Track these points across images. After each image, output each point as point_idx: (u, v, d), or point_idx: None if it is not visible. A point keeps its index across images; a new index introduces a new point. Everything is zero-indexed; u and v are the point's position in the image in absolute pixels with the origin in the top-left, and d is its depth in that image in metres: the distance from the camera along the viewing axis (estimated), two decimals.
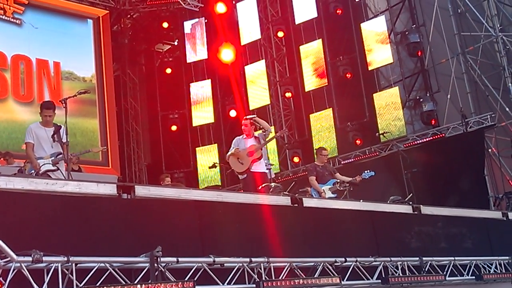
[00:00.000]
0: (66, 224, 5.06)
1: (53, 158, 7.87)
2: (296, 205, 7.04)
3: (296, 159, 18.12)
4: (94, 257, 4.91)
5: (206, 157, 18.45)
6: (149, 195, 5.82)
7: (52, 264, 4.64)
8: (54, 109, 8.05)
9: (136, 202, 5.69)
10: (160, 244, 5.20)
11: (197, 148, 19.13)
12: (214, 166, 10.09)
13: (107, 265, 4.95)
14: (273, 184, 9.38)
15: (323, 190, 10.09)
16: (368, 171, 10.14)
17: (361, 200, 7.99)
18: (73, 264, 4.71)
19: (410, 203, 8.84)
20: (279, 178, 17.33)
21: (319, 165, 10.59)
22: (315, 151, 11.29)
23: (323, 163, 10.65)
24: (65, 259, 4.66)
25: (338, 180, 10.23)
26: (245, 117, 9.75)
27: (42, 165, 7.73)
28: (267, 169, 9.74)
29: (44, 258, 4.56)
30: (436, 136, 15.01)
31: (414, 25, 16.31)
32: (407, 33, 16.22)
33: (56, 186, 5.31)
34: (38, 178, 5.86)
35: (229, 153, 9.58)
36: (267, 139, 9.62)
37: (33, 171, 7.88)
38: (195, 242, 5.81)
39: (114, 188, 5.62)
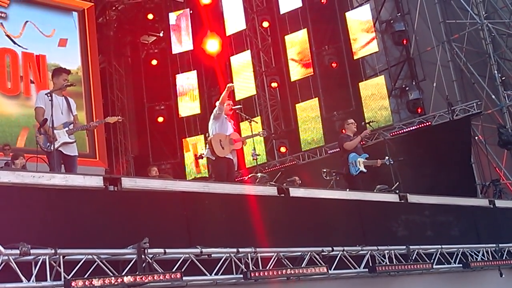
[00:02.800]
0: (54, 216, 5.06)
1: (66, 128, 7.52)
2: (283, 195, 7.04)
3: (282, 149, 18.17)
4: (81, 249, 4.91)
5: (193, 148, 18.45)
6: (135, 187, 5.82)
7: (39, 257, 4.64)
8: (68, 73, 7.88)
9: (123, 194, 5.68)
10: (147, 235, 5.20)
11: (183, 139, 19.12)
12: (200, 157, 10.06)
13: (95, 257, 4.95)
14: (259, 174, 9.37)
15: (359, 161, 9.96)
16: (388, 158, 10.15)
17: (347, 190, 8.02)
18: (61, 257, 4.72)
19: (397, 191, 8.86)
20: (266, 168, 17.39)
21: (350, 135, 10.38)
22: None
23: (354, 132, 10.44)
24: (53, 251, 4.67)
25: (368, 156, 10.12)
26: (230, 104, 9.50)
27: (58, 137, 7.35)
28: (253, 159, 9.70)
29: (32, 251, 4.57)
30: (423, 125, 15.07)
31: (399, 14, 16.36)
32: (392, 21, 16.25)
33: (43, 179, 5.29)
34: (25, 171, 5.85)
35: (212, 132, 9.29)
36: (245, 136, 9.49)
37: (49, 144, 7.38)
38: (182, 234, 5.81)
39: (100, 180, 5.62)
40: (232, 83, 18.25)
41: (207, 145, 9.14)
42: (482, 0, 15.05)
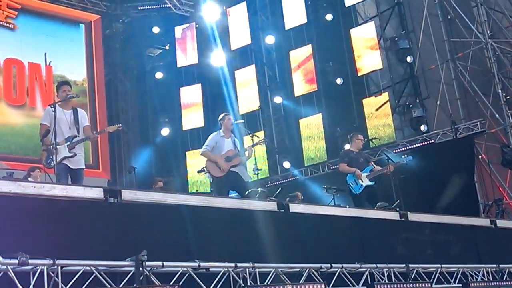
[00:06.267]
0: (53, 227, 5.08)
1: (68, 143, 7.54)
2: (283, 210, 7.05)
3: (286, 164, 18.15)
4: (80, 260, 4.92)
5: (196, 161, 18.44)
6: (135, 199, 5.84)
7: (38, 267, 4.65)
8: (70, 86, 7.98)
9: (123, 206, 5.70)
10: (145, 248, 5.21)
11: (187, 152, 19.15)
12: (202, 170, 10.12)
13: (93, 268, 4.96)
14: (259, 189, 9.36)
15: (360, 177, 9.70)
16: (406, 155, 10.03)
17: (347, 206, 8.01)
18: (59, 267, 4.73)
19: (397, 209, 8.83)
20: (269, 183, 17.39)
21: (353, 150, 10.09)
22: (349, 137, 10.71)
23: (359, 149, 10.17)
24: (51, 262, 4.68)
25: (374, 168, 9.86)
26: (230, 117, 9.51)
27: (59, 153, 7.37)
28: (254, 174, 9.70)
29: (30, 261, 4.57)
30: (426, 142, 15.07)
31: (404, 31, 16.41)
32: (396, 39, 16.31)
33: (43, 190, 5.31)
34: (26, 182, 5.88)
35: (206, 153, 9.29)
36: (242, 148, 9.46)
37: (50, 159, 7.48)
38: (180, 247, 5.82)
39: (101, 192, 5.63)
40: (237, 97, 18.60)
41: (206, 168, 9.18)
42: (486, 19, 15.10)
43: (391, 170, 9.81)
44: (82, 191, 5.53)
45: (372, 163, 10.19)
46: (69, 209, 5.29)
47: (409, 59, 16.19)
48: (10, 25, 16.80)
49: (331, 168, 16.26)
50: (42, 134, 7.55)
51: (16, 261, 4.51)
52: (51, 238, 5.01)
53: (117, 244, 5.38)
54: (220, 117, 9.51)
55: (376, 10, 17.21)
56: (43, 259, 4.66)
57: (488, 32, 14.96)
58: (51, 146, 7.28)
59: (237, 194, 9.19)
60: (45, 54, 16.95)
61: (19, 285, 4.53)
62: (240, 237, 6.32)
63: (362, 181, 9.69)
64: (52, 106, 7.39)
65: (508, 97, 14.72)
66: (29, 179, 9.84)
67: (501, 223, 10.02)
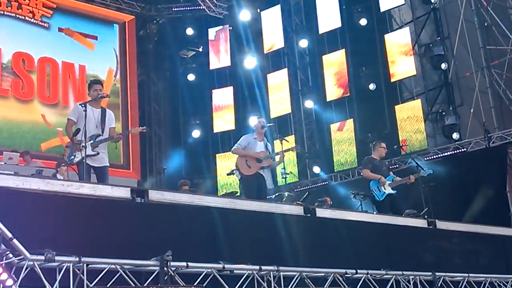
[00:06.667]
0: (80, 225, 5.16)
1: (92, 141, 7.51)
2: (309, 214, 7.04)
3: (316, 169, 18.09)
4: (105, 258, 4.99)
5: (226, 163, 18.51)
6: (162, 200, 5.89)
7: (64, 264, 4.73)
8: (102, 85, 8.04)
9: (150, 206, 5.76)
10: (171, 248, 5.26)
11: (217, 155, 19.21)
12: (231, 173, 10.14)
13: (118, 267, 5.02)
14: (286, 193, 9.35)
15: (383, 185, 9.71)
16: (427, 169, 10.00)
17: (375, 212, 7.96)
18: (84, 265, 4.81)
19: (426, 217, 8.75)
20: (298, 187, 17.34)
21: (376, 158, 10.17)
22: (371, 145, 10.76)
23: (381, 157, 10.24)
24: (77, 259, 4.76)
25: (396, 177, 9.88)
26: (263, 121, 9.54)
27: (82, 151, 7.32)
28: (282, 178, 9.68)
29: (57, 258, 4.66)
30: (458, 151, 14.87)
31: (439, 37, 16.21)
32: (431, 45, 16.11)
33: (71, 188, 5.40)
34: (54, 179, 5.97)
35: (237, 149, 9.31)
36: (273, 153, 9.47)
37: (72, 157, 7.51)
38: (206, 248, 5.86)
39: (128, 191, 5.70)
40: (268, 100, 18.63)
41: (235, 167, 9.20)
42: None
43: (412, 180, 9.82)
44: (110, 190, 5.61)
45: (392, 172, 10.22)
46: (96, 207, 5.36)
47: (443, 66, 15.99)
48: (45, 24, 17.07)
49: (361, 174, 16.12)
50: (72, 132, 7.56)
51: (42, 257, 4.60)
52: (77, 236, 5.08)
53: (142, 244, 5.44)
54: (254, 119, 9.55)
55: (411, 15, 17.04)
56: (69, 256, 4.74)
57: None
58: (79, 144, 7.32)
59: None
60: None
61: (45, 281, 4.61)
62: (265, 240, 6.34)
63: (385, 189, 9.68)
64: (82, 105, 7.43)
65: None
66: (57, 175, 9.96)
67: None
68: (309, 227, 6.97)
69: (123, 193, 5.66)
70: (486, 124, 14.35)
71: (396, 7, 16.97)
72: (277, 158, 9.50)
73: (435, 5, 16.41)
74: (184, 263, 5.38)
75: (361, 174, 10.33)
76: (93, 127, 7.60)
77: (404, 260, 7.50)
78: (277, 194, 8.81)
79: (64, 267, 4.74)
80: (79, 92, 16.96)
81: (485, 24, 15.28)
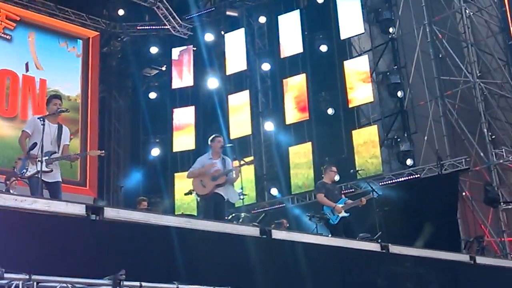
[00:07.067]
0: (32, 241, 5.07)
1: (46, 157, 7.36)
2: (265, 236, 7.10)
3: (273, 191, 18.21)
4: (56, 276, 4.89)
5: (185, 183, 18.48)
6: (118, 218, 5.88)
7: (13, 282, 4.60)
8: (61, 100, 7.94)
9: (104, 224, 5.74)
10: (125, 268, 5.22)
11: (175, 174, 19.18)
12: (189, 192, 10.17)
13: (69, 285, 4.92)
14: (243, 214, 9.40)
15: (336, 209, 9.82)
16: (376, 191, 10.16)
17: (330, 235, 8.08)
18: (35, 283, 4.68)
19: (379, 241, 8.91)
20: (255, 209, 17.42)
21: (328, 182, 10.24)
22: (322, 168, 10.86)
23: (332, 181, 10.36)
24: (27, 277, 4.62)
25: (348, 199, 10.04)
26: (221, 140, 9.55)
27: (36, 166, 7.25)
28: (240, 199, 9.69)
29: (6, 275, 4.51)
30: (411, 177, 15.21)
31: (396, 66, 16.67)
32: (388, 73, 16.57)
33: (25, 203, 5.32)
34: (7, 194, 5.93)
35: (192, 172, 9.26)
36: (227, 169, 9.45)
37: (24, 171, 7.40)
38: (160, 268, 5.86)
39: (83, 208, 5.65)
40: (228, 121, 18.73)
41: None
42: (476, 59, 15.40)
43: (364, 203, 9.95)
44: (65, 206, 5.56)
45: (344, 195, 10.43)
46: (50, 224, 5.30)
47: (399, 93, 16.42)
48: (7, 37, 16.90)
49: (316, 198, 16.30)
50: (25, 144, 7.48)
51: None
52: (29, 252, 4.99)
53: (96, 262, 5.39)
54: (210, 138, 9.53)
55: (370, 44, 17.47)
56: (18, 274, 4.60)
57: (477, 72, 15.25)
58: (36, 158, 7.26)
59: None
60: (27, 63, 16.98)
61: None
62: (221, 260, 6.36)
63: (338, 213, 9.86)
64: (41, 119, 7.38)
65: (493, 137, 14.96)
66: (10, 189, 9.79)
67: (480, 260, 10.10)
68: (265, 249, 7.02)
69: (78, 209, 5.61)
70: (439, 152, 14.75)
71: (356, 35, 17.41)
72: (233, 174, 9.48)
73: (393, 35, 16.90)
74: (137, 283, 5.31)
75: (316, 198, 10.48)
76: (49, 143, 7.49)
77: (357, 282, 7.60)
78: (233, 215, 8.85)
79: (13, 285, 4.60)
80: (39, 106, 16.77)
81: (440, 56, 15.80)
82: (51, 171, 7.45)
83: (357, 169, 14.90)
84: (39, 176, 7.11)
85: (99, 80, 19.36)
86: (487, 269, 10.06)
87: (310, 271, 7.26)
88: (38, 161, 7.19)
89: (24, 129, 7.70)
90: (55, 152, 7.57)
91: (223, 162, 9.30)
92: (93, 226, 5.65)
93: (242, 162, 9.54)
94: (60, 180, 7.68)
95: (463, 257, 10.13)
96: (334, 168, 10.44)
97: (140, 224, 6.06)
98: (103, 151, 8.45)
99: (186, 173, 16.14)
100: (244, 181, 10.54)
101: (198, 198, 9.13)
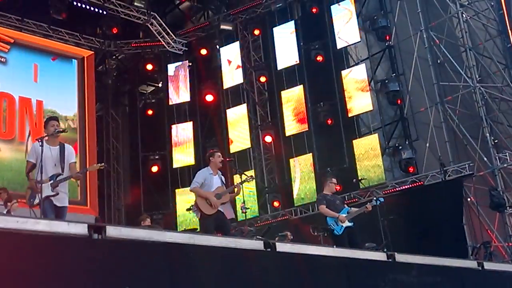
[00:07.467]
0: (34, 262, 5.01)
1: (52, 181, 7.38)
2: (269, 249, 6.99)
3: (275, 203, 18.11)
4: None
5: (185, 199, 18.38)
6: (120, 236, 5.77)
7: None
8: (58, 121, 7.95)
9: (107, 243, 5.63)
10: (128, 285, 5.15)
11: (176, 190, 19.08)
12: (191, 208, 10.07)
13: None
14: (247, 227, 9.29)
15: (340, 219, 9.69)
16: (378, 197, 10.06)
17: (335, 246, 7.97)
18: None
19: (385, 250, 8.80)
20: (258, 222, 17.32)
21: (328, 193, 10.17)
22: (323, 180, 10.81)
23: (332, 192, 10.26)
24: None
25: (351, 209, 9.94)
26: (220, 155, 9.46)
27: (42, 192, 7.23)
28: (242, 212, 9.61)
29: None
30: (415, 184, 15.10)
31: (394, 74, 16.60)
32: (387, 81, 16.49)
33: (27, 225, 5.24)
34: (9, 216, 5.83)
35: (197, 189, 9.06)
36: (230, 188, 9.41)
37: (32, 199, 7.44)
38: (164, 285, 5.75)
39: (85, 228, 5.56)
40: (228, 135, 18.68)
41: (194, 206, 9.08)
42: (475, 64, 15.33)
43: (369, 209, 9.84)
44: (66, 226, 5.46)
45: (346, 205, 10.29)
46: (52, 244, 5.22)
47: (399, 101, 16.33)
48: (2, 59, 16.85)
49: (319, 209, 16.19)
50: (28, 171, 7.51)
51: None
52: (32, 274, 4.93)
53: (99, 281, 5.30)
54: (208, 153, 9.45)
55: (367, 52, 17.44)
56: None
57: (477, 76, 15.19)
58: (36, 184, 7.22)
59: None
60: None
61: None
62: (225, 276, 6.25)
63: (343, 223, 9.74)
64: (39, 140, 7.32)
65: (496, 141, 14.86)
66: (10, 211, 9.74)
67: (488, 266, 9.96)
68: (270, 262, 6.91)
69: (80, 229, 5.51)
70: (441, 158, 14.65)
71: (353, 44, 17.36)
72: (235, 191, 9.43)
73: (390, 42, 16.84)
74: None
75: (318, 210, 10.38)
76: (51, 166, 7.48)
77: None
78: (236, 229, 8.75)
79: None
80: (36, 127, 16.68)
81: (438, 61, 15.74)
82: (57, 194, 7.42)
83: (359, 178, 14.85)
84: (42, 202, 7.06)
85: (96, 99, 19.29)
86: (495, 274, 9.94)
87: (317, 283, 7.15)
88: (38, 184, 7.13)
89: (27, 159, 7.73)
90: (60, 174, 7.51)
91: (221, 179, 9.25)
92: (95, 245, 5.54)
93: (243, 178, 9.44)
94: (67, 205, 7.64)
95: (471, 264, 10.01)
96: (334, 180, 10.38)
97: (143, 242, 5.95)
98: (103, 164, 8.38)
99: (187, 189, 16.13)
100: (246, 194, 10.41)
101: (199, 216, 8.99)
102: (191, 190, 9.21)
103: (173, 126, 19.82)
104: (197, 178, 9.17)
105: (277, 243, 7.18)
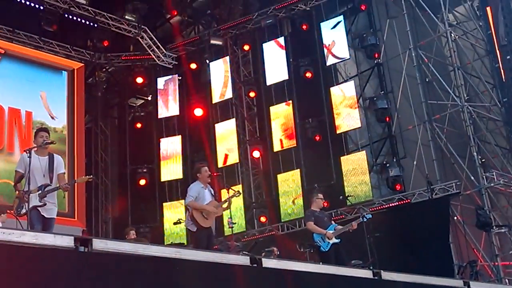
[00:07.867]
0: (20, 275, 4.99)
1: (40, 191, 7.37)
2: (255, 265, 6.99)
3: (263, 219, 18.10)
4: None
5: (173, 213, 18.35)
6: (106, 249, 5.77)
7: None
8: (48, 132, 7.92)
9: (93, 256, 5.62)
10: None
11: (164, 203, 19.02)
12: (179, 222, 10.06)
13: None
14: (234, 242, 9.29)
15: (327, 236, 9.72)
16: (366, 214, 10.11)
17: (321, 263, 7.98)
18: None
19: (371, 267, 8.81)
20: (245, 237, 17.29)
21: (316, 210, 10.17)
22: (309, 197, 10.93)
23: (319, 208, 10.27)
24: None
25: (337, 225, 9.98)
26: (207, 169, 9.49)
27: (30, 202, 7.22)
28: (229, 227, 9.62)
29: None
30: (402, 202, 15.16)
31: (383, 92, 16.71)
32: (375, 98, 16.59)
33: (12, 236, 5.23)
34: None
35: (193, 203, 9.08)
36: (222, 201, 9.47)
37: (20, 208, 7.40)
38: None
39: (71, 240, 5.55)
40: (216, 149, 18.68)
41: (189, 217, 9.07)
42: (463, 83, 15.48)
43: (355, 227, 9.87)
44: (53, 239, 5.45)
45: (333, 221, 10.34)
46: (38, 257, 5.21)
47: (387, 119, 16.43)
48: None
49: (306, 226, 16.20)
50: (16, 181, 7.49)
51: None
52: (16, 286, 4.91)
53: None
54: (195, 169, 9.47)
55: (356, 70, 17.56)
56: None
57: (465, 95, 15.32)
58: (23, 194, 7.20)
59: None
60: None
61: None
62: None
63: (330, 239, 9.75)
64: (27, 152, 7.32)
65: (483, 160, 14.98)
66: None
67: (474, 285, 9.99)
68: (256, 278, 6.91)
69: (66, 242, 5.51)
70: (429, 176, 14.72)
71: (342, 61, 17.47)
72: (225, 205, 9.46)
73: (379, 60, 16.96)
74: None
75: (306, 226, 10.40)
76: (40, 176, 7.46)
77: None
78: (223, 243, 8.74)
79: None
80: (25, 138, 16.63)
81: (427, 80, 15.88)
82: (45, 204, 7.38)
83: (346, 195, 14.88)
84: (28, 212, 7.03)
85: (85, 111, 19.25)
86: None
87: None
88: (26, 194, 7.11)
89: (16, 169, 7.69)
90: (48, 185, 7.49)
91: (211, 192, 9.28)
92: (81, 258, 5.53)
93: (230, 193, 9.46)
94: (55, 217, 7.61)
95: (457, 283, 10.03)
96: (320, 196, 10.40)
97: (129, 255, 5.94)
98: (91, 176, 8.36)
99: (174, 203, 16.14)
100: (233, 209, 10.41)
101: (195, 229, 8.98)
102: (187, 205, 9.22)
103: (162, 140, 19.79)
104: (191, 192, 9.18)
105: (263, 259, 7.19)
